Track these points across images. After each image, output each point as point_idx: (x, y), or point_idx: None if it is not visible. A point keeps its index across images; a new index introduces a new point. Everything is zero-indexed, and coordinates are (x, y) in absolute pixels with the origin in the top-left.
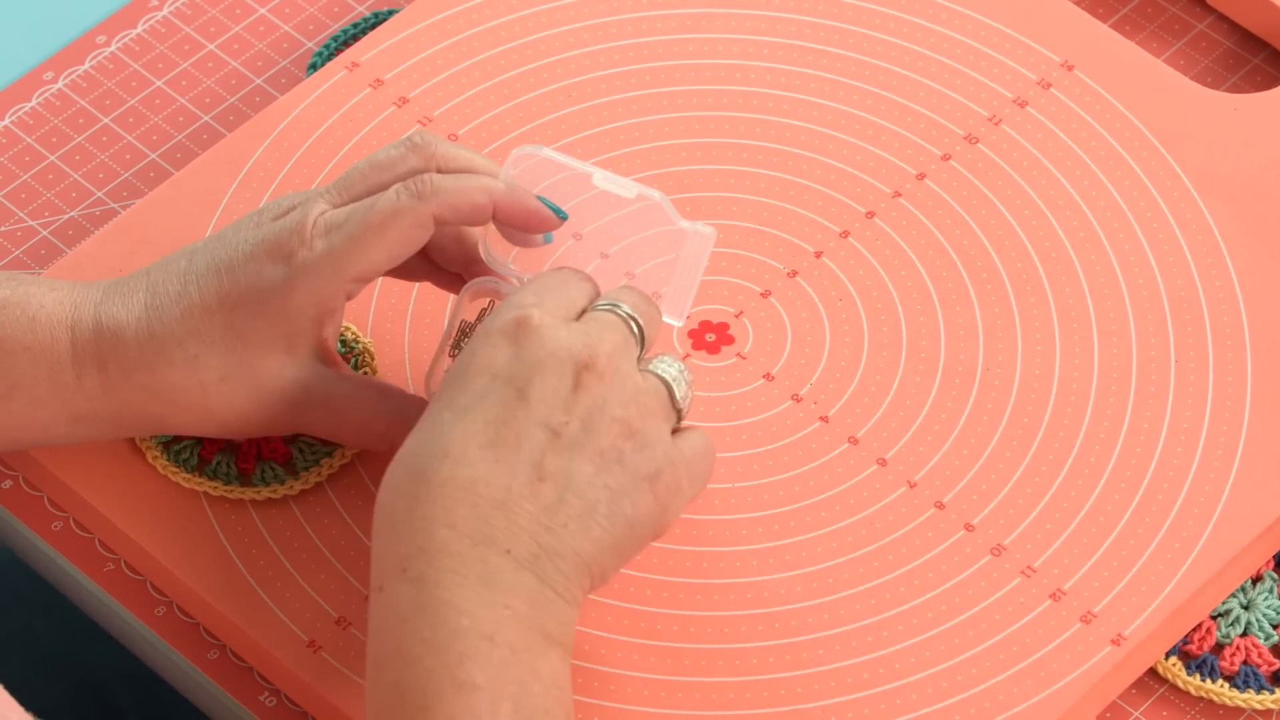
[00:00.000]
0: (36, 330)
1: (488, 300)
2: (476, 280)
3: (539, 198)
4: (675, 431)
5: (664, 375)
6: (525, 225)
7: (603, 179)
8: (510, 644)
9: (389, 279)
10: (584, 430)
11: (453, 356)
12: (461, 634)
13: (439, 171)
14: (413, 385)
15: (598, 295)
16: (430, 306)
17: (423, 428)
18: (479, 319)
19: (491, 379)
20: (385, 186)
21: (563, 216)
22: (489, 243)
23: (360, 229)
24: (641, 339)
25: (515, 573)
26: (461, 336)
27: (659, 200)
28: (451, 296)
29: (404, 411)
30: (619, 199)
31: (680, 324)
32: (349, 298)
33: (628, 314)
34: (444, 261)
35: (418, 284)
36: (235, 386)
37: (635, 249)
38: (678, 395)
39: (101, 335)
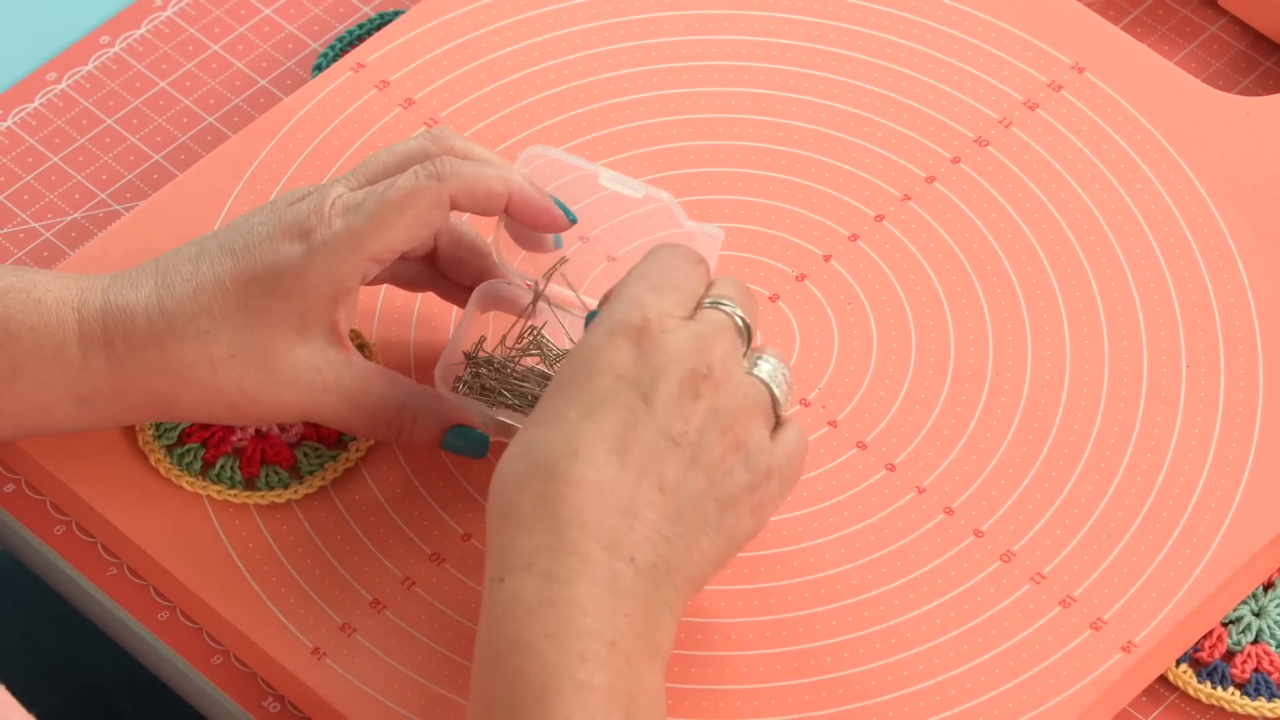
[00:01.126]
0: (42, 312)
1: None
2: (487, 283)
3: (552, 197)
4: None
5: (768, 381)
6: (536, 222)
7: (610, 179)
8: (627, 653)
9: (394, 289)
10: (700, 442)
11: (466, 358)
12: (585, 635)
13: None
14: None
15: (708, 278)
16: (434, 310)
17: (545, 421)
18: (478, 346)
19: (616, 380)
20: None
21: (572, 219)
22: (500, 247)
23: (380, 206)
24: (748, 338)
25: (636, 581)
26: (480, 345)
27: (667, 201)
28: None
29: (413, 399)
30: (627, 201)
31: None
32: (364, 281)
33: (738, 315)
34: (455, 274)
35: (420, 300)
36: (245, 364)
37: (644, 251)
38: (780, 400)
39: (109, 315)
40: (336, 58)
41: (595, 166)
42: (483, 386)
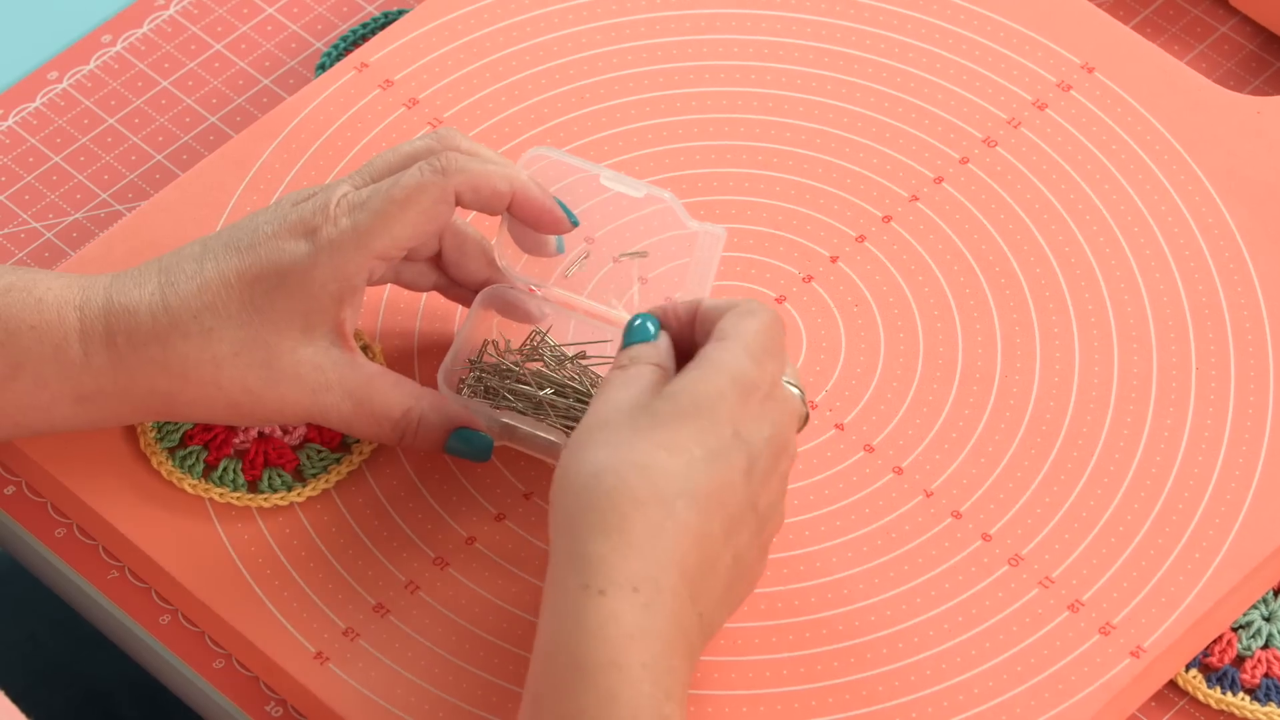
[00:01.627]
0: (43, 310)
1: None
2: (491, 287)
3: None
4: None
5: None
6: (539, 222)
7: (611, 179)
8: (685, 696)
9: (398, 290)
10: (767, 518)
11: (471, 363)
12: (671, 674)
13: None
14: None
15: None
16: (441, 310)
17: (668, 447)
18: (483, 350)
19: (734, 435)
20: None
21: (575, 221)
22: (502, 249)
23: (384, 203)
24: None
25: (698, 634)
26: (485, 349)
27: (669, 201)
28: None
29: (419, 400)
30: (629, 203)
31: None
32: (370, 280)
33: (804, 401)
34: (460, 278)
35: (426, 294)
36: (248, 363)
37: (648, 250)
38: None
39: (112, 312)
40: (340, 57)
41: (597, 167)
42: (487, 389)
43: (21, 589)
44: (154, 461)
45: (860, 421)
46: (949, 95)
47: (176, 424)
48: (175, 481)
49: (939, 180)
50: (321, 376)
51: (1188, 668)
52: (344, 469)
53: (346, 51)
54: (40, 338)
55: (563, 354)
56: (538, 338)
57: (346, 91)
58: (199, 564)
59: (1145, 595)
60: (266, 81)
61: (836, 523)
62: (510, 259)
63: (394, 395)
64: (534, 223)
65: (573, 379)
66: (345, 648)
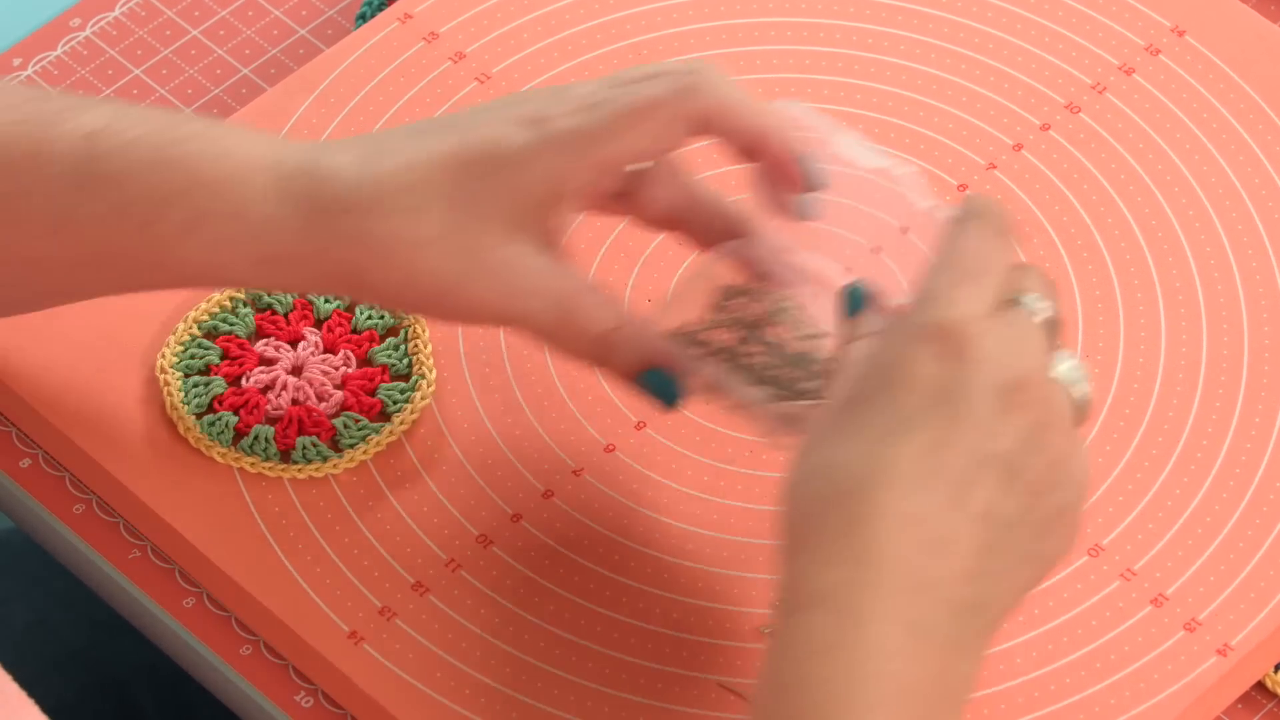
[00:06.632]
0: (231, 161)
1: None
2: (737, 242)
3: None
4: None
5: (1072, 384)
6: (787, 176)
7: (847, 143)
8: (921, 703)
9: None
10: (1015, 462)
11: (717, 311)
12: (879, 681)
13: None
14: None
15: (1011, 252)
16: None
17: (844, 438)
18: (721, 302)
19: (923, 396)
20: None
21: (824, 181)
22: (758, 206)
23: (622, 109)
24: (1054, 335)
25: (945, 625)
26: (723, 298)
27: (907, 177)
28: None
29: (629, 322)
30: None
31: None
32: (591, 189)
33: (1044, 313)
34: (694, 235)
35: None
36: (448, 250)
37: (874, 230)
38: (1087, 404)
39: (309, 174)
40: (382, 7)
41: (833, 129)
42: (703, 341)
43: (35, 568)
44: (181, 428)
45: None
46: (1030, 59)
47: (206, 388)
48: (203, 449)
49: (1018, 147)
50: (524, 281)
51: (1277, 668)
52: (383, 440)
53: (389, 1)
54: (222, 192)
55: (810, 332)
56: (782, 306)
57: (389, 44)
58: (227, 537)
59: (1233, 590)
60: (303, 32)
61: None
62: (764, 217)
63: (602, 311)
64: (780, 176)
65: (809, 360)
66: (381, 628)
